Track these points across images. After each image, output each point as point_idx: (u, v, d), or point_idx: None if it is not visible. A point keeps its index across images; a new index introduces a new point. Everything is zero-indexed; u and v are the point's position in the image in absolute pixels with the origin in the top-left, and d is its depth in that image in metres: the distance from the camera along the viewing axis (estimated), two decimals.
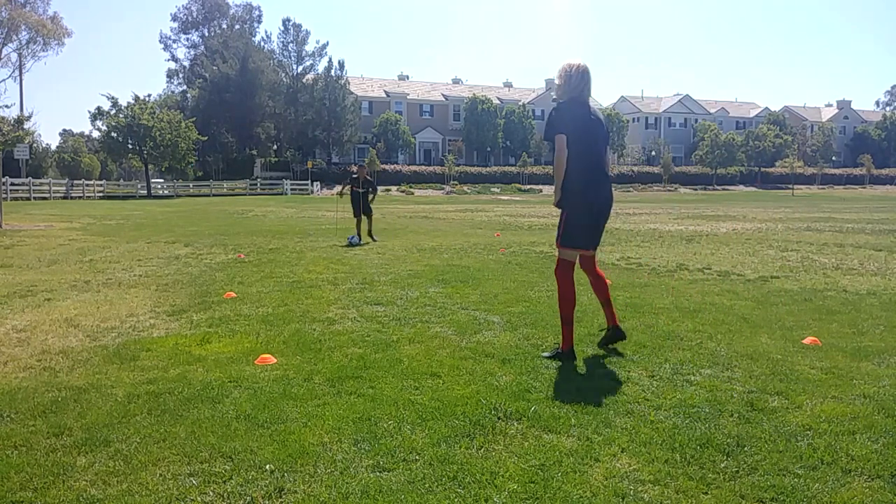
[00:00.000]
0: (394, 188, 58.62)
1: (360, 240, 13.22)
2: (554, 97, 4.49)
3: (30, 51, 54.56)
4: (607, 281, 4.87)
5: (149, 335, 5.37)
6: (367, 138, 66.84)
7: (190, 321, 5.88)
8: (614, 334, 4.80)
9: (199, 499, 2.67)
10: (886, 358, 4.62)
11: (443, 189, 60.44)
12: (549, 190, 63.07)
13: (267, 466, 2.92)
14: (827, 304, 6.67)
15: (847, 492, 2.71)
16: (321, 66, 64.16)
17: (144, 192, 50.02)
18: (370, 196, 13.82)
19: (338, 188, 14.72)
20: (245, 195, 51.63)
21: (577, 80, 4.45)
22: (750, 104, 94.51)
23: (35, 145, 60.07)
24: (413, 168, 66.08)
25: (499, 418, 3.49)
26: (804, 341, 5.05)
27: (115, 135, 48.77)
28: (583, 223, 4.52)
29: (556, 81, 4.55)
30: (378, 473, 2.87)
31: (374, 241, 13.60)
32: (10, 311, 6.35)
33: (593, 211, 4.53)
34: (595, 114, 4.53)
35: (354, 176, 14.02)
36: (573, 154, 4.33)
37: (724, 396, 3.82)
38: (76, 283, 8.14)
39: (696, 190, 68.75)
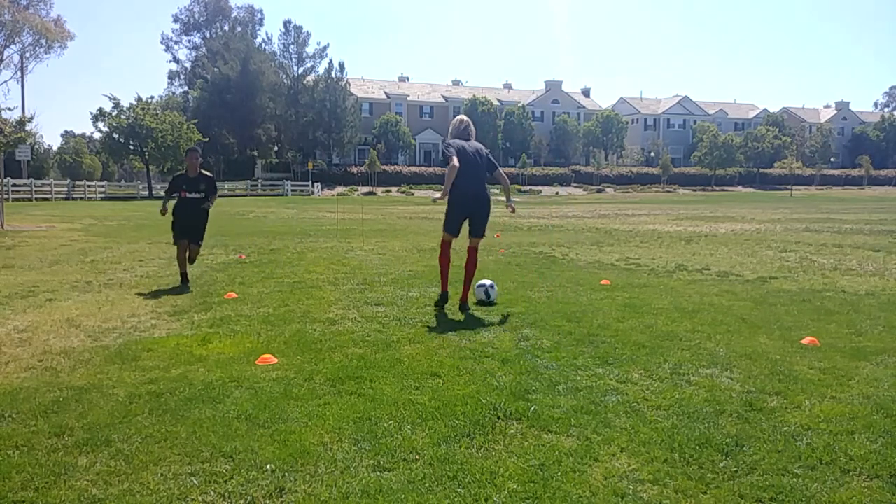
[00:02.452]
0: (394, 189, 58.67)
1: (186, 282, 7.88)
2: (448, 139, 6.59)
3: (33, 53, 54.62)
4: (475, 265, 6.56)
5: (150, 335, 5.39)
6: (368, 139, 66.89)
7: (191, 321, 5.90)
8: (461, 307, 6.39)
9: (200, 498, 2.68)
10: (885, 358, 4.63)
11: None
12: (548, 191, 63.33)
13: (268, 466, 2.94)
14: (825, 304, 6.68)
15: (846, 491, 2.72)
16: (322, 68, 64.25)
17: (146, 192, 50.04)
18: (208, 203, 8.11)
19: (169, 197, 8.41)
20: (246, 196, 51.62)
21: (462, 126, 6.60)
22: (749, 105, 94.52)
23: (37, 146, 60.03)
24: (413, 169, 66.13)
25: (499, 418, 3.50)
26: (803, 341, 5.06)
27: (116, 136, 48.79)
28: (454, 217, 6.41)
29: (451, 128, 6.66)
30: (378, 473, 2.89)
31: (187, 279, 7.95)
32: (12, 312, 6.36)
33: (464, 211, 6.40)
34: (474, 147, 6.48)
35: (181, 173, 8.50)
36: (458, 172, 6.17)
37: (722, 396, 3.84)
38: (78, 283, 8.16)
39: (694, 191, 68.78)
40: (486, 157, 6.50)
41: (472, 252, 6.55)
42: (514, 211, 7.22)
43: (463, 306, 6.39)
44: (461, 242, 6.63)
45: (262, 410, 3.60)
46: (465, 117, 6.73)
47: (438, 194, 6.32)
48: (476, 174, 6.38)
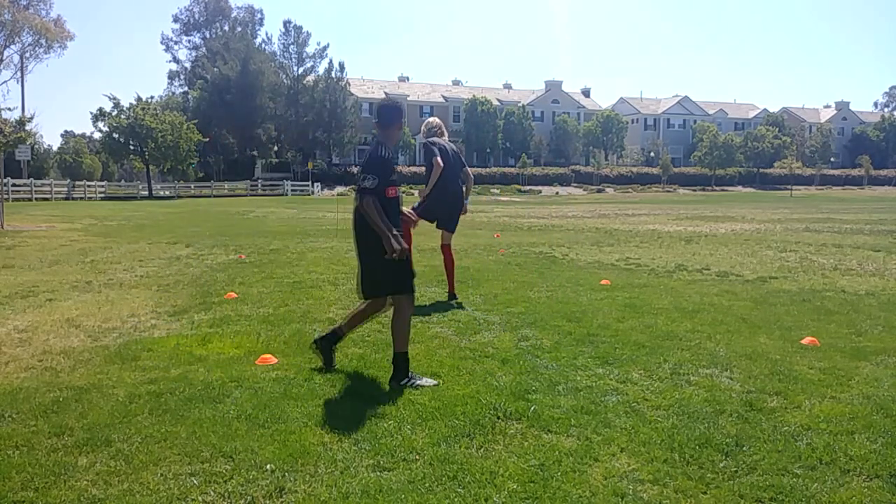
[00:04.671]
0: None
1: (331, 358, 4.43)
2: (423, 139, 7.06)
3: (33, 53, 54.63)
4: (453, 262, 7.16)
5: (150, 335, 5.39)
6: (368, 139, 66.84)
7: (191, 321, 5.90)
8: (450, 297, 6.93)
9: (200, 498, 2.68)
10: (885, 358, 4.63)
11: None
12: (548, 191, 63.33)
13: (268, 466, 2.94)
14: (825, 304, 6.68)
15: (846, 491, 2.72)
16: (322, 68, 64.21)
17: (146, 192, 50.02)
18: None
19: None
20: (246, 196, 51.61)
21: (436, 126, 6.98)
22: (748, 105, 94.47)
23: (37, 146, 59.94)
24: (413, 169, 65.88)
25: (499, 418, 3.50)
26: (803, 341, 5.07)
27: (116, 136, 48.79)
28: (444, 213, 6.93)
29: (423, 129, 7.09)
30: (378, 473, 2.89)
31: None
32: (12, 312, 6.36)
33: (448, 208, 6.91)
34: (451, 147, 6.96)
35: (387, 154, 4.28)
36: (442, 173, 6.68)
37: (722, 396, 3.84)
38: (77, 283, 8.15)
39: (694, 191, 68.75)
40: (459, 157, 7.04)
41: (447, 250, 7.11)
42: (465, 212, 7.34)
43: (451, 296, 6.97)
44: (433, 242, 6.64)
45: (262, 410, 3.60)
46: (437, 119, 7.28)
47: (415, 213, 6.45)
48: (456, 174, 6.94)
